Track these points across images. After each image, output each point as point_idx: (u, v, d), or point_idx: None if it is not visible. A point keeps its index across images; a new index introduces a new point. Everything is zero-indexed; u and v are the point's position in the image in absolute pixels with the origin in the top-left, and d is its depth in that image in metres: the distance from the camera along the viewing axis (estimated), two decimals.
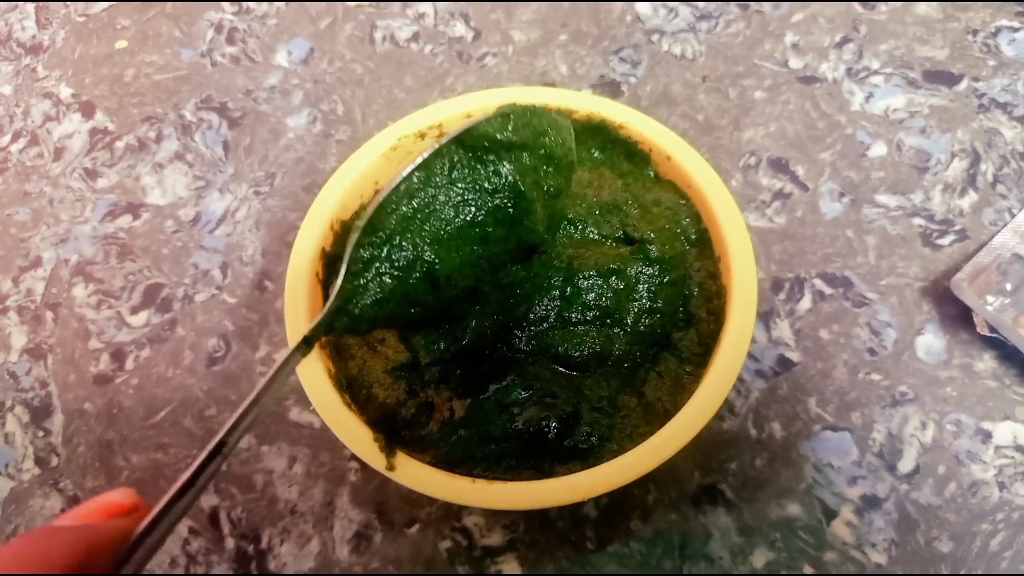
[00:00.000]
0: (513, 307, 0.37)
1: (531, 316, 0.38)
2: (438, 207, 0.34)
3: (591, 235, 0.40)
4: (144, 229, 0.52)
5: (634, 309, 0.38)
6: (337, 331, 0.33)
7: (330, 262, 0.40)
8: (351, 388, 0.37)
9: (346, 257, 0.33)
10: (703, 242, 0.40)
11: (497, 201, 0.34)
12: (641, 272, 0.38)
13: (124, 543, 0.24)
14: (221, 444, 0.26)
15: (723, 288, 0.38)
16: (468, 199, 0.34)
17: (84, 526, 0.24)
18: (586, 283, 0.38)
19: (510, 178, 0.34)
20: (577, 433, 0.36)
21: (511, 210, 0.34)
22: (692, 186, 0.40)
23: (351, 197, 0.42)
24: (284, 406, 0.45)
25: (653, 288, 0.38)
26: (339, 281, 0.33)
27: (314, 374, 0.36)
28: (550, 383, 0.36)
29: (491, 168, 0.34)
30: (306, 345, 0.32)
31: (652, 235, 0.39)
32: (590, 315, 0.38)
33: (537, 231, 0.36)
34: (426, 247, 0.33)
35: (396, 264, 0.33)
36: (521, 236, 0.35)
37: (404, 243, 0.33)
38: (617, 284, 0.38)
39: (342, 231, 0.41)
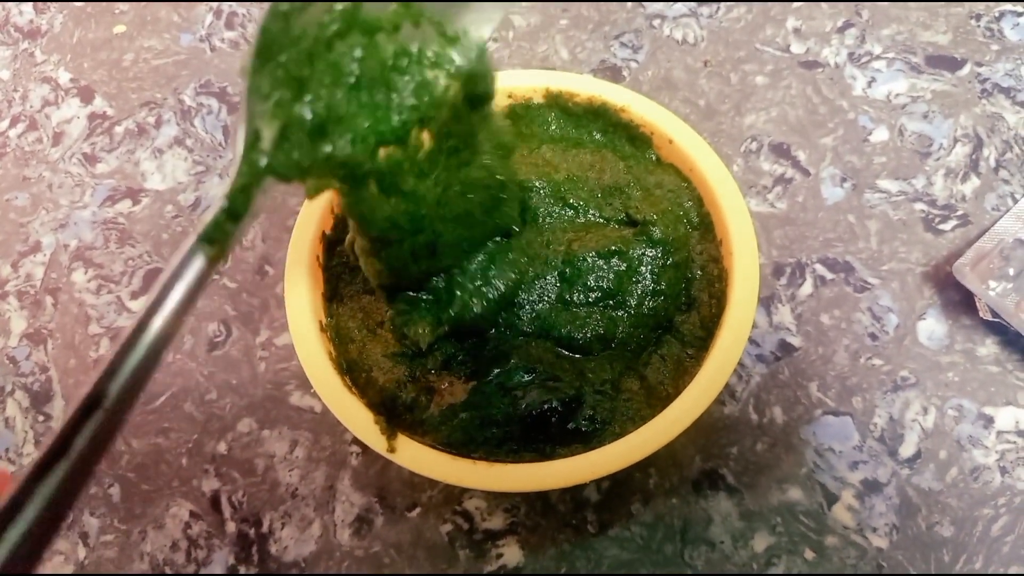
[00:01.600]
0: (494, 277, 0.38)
1: (527, 295, 0.38)
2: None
3: (592, 218, 0.40)
4: (144, 214, 0.52)
5: (637, 291, 0.38)
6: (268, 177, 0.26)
7: (330, 245, 0.40)
8: (351, 371, 0.37)
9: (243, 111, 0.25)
10: (705, 225, 0.40)
11: (489, 193, 0.35)
12: (644, 254, 0.38)
13: None
14: (98, 396, 0.20)
15: (725, 272, 0.38)
16: (463, 189, 0.34)
17: None
18: (586, 264, 0.38)
19: (499, 176, 0.35)
20: (579, 416, 0.35)
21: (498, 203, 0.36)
22: (694, 170, 0.40)
23: None
24: (285, 391, 0.45)
25: (656, 270, 0.38)
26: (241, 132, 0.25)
27: (315, 356, 0.36)
28: (553, 366, 0.36)
29: (484, 161, 0.34)
30: (210, 244, 0.23)
31: (655, 217, 0.39)
32: (592, 296, 0.37)
33: (515, 218, 0.37)
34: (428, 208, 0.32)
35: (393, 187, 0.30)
36: (498, 223, 0.37)
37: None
38: (619, 265, 0.38)
39: (342, 216, 0.41)
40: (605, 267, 0.38)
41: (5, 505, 0.18)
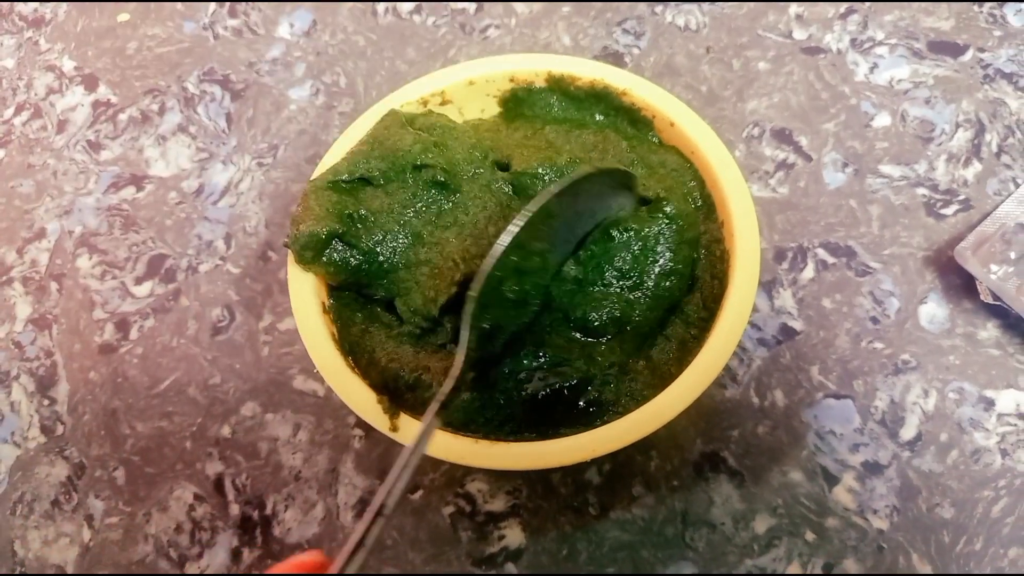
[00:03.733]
0: None
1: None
2: None
3: None
4: (148, 201, 0.52)
5: (654, 271, 0.38)
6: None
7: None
8: (353, 352, 0.37)
9: (466, 331, 0.34)
10: (708, 206, 0.40)
11: None
12: (660, 232, 0.38)
13: None
14: (382, 507, 0.28)
15: (726, 253, 0.38)
16: None
17: None
18: (602, 246, 0.37)
19: None
20: (583, 398, 0.36)
21: None
22: (695, 152, 0.40)
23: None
24: (288, 374, 0.46)
25: (672, 247, 0.38)
26: (461, 353, 0.34)
27: (318, 338, 0.36)
28: (561, 350, 0.36)
29: None
30: (444, 409, 0.33)
31: (664, 193, 0.39)
32: (608, 277, 0.37)
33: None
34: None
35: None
36: None
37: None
38: (635, 244, 0.37)
39: None
40: (621, 247, 0.37)
41: None
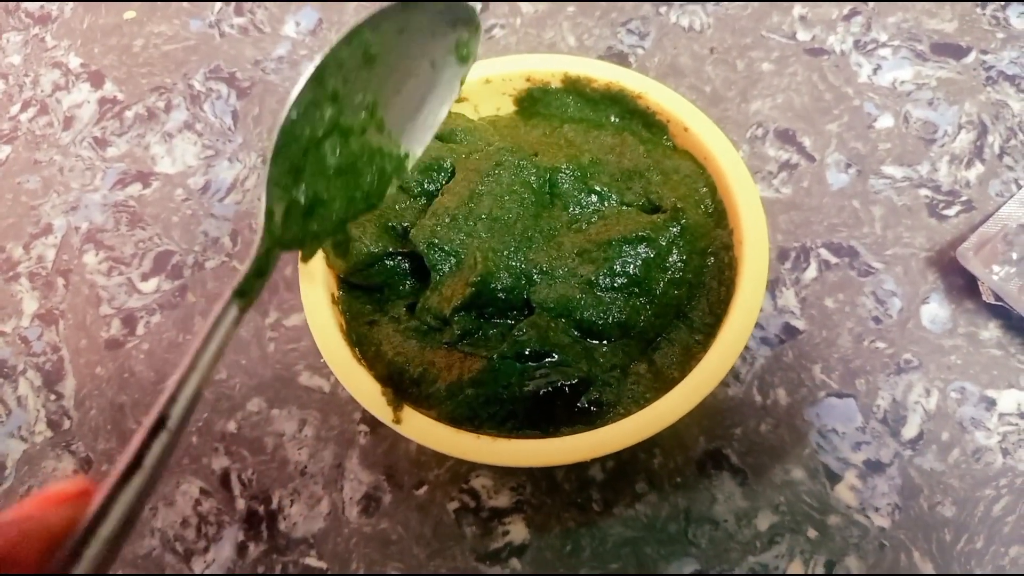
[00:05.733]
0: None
1: (551, 274, 0.38)
2: None
3: (614, 204, 0.40)
4: (154, 197, 0.53)
5: (664, 279, 0.38)
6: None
7: None
8: (360, 344, 0.38)
9: (266, 198, 0.30)
10: (719, 213, 0.40)
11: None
12: (673, 241, 0.38)
13: (67, 535, 0.20)
14: (163, 418, 0.23)
15: (735, 260, 0.38)
16: None
17: (6, 522, 0.20)
18: (614, 250, 0.37)
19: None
20: (585, 398, 0.36)
21: None
22: (709, 158, 0.40)
23: None
24: (294, 371, 0.46)
25: (684, 257, 0.38)
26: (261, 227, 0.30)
27: (326, 328, 0.36)
28: (565, 350, 0.36)
29: None
30: (241, 297, 0.28)
31: (680, 203, 0.39)
32: (618, 282, 0.37)
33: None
34: None
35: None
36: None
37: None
38: (648, 252, 0.38)
39: None
40: (633, 253, 0.38)
41: (97, 509, 0.21)
